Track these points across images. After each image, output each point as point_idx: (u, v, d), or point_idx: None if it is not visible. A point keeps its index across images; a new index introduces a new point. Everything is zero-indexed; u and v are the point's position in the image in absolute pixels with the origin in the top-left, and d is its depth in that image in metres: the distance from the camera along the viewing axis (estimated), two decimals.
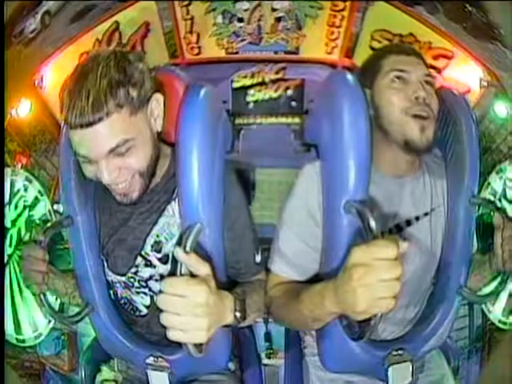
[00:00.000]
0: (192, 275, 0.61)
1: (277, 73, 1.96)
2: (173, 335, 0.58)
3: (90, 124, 0.66)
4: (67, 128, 0.71)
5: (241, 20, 1.80)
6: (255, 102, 1.98)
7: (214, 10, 1.76)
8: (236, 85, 1.95)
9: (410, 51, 0.88)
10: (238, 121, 1.96)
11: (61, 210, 0.86)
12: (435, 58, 1.60)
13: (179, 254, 0.61)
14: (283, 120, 1.98)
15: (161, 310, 0.58)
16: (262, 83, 1.96)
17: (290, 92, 1.97)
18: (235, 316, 0.68)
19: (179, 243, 0.77)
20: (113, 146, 0.69)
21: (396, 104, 0.82)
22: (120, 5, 1.57)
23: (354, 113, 0.74)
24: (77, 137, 0.69)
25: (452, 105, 0.87)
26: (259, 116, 1.98)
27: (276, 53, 1.89)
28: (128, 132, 0.70)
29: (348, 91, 0.76)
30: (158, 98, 0.76)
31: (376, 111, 0.85)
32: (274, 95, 1.98)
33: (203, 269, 0.62)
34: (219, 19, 1.79)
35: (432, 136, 0.82)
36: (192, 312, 0.58)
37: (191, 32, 1.80)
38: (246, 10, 1.78)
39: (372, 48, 1.72)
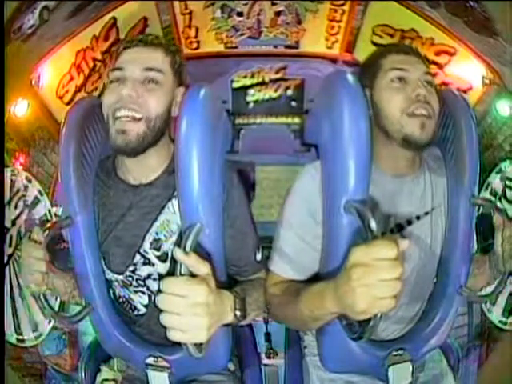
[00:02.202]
0: (192, 275, 0.61)
1: (277, 72, 1.96)
2: (173, 335, 0.58)
3: (146, 44, 0.81)
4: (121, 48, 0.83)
5: (240, 14, 1.79)
6: (255, 101, 1.98)
7: (212, 4, 1.75)
8: (236, 85, 1.95)
9: (409, 50, 0.88)
10: (238, 121, 1.96)
11: (59, 212, 0.88)
12: (437, 54, 1.60)
13: (179, 254, 0.61)
14: (283, 120, 1.98)
15: (160, 310, 0.58)
16: (262, 83, 1.96)
17: (289, 92, 1.97)
18: (235, 315, 0.69)
19: (179, 243, 0.77)
20: (149, 66, 0.79)
21: (396, 103, 0.82)
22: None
23: (354, 113, 0.74)
24: (128, 55, 0.81)
25: (452, 105, 0.88)
26: (259, 116, 1.98)
27: (276, 47, 1.89)
28: (163, 72, 0.81)
29: (348, 91, 0.75)
30: (184, 92, 0.82)
31: (376, 111, 0.86)
32: (274, 95, 1.98)
33: (203, 268, 0.62)
34: (218, 13, 1.77)
35: (432, 133, 0.83)
36: (192, 312, 0.58)
37: (190, 26, 1.79)
38: (245, 4, 1.77)
39: (373, 43, 1.71)
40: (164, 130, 0.82)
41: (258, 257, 0.88)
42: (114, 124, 0.78)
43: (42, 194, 1.47)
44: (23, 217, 1.42)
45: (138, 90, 0.78)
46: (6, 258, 1.33)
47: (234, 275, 0.87)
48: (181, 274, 0.61)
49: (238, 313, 0.69)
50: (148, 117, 0.78)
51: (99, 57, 1.62)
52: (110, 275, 0.87)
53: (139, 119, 0.78)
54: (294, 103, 1.97)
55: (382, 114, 0.85)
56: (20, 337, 1.40)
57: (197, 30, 1.81)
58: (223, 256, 0.79)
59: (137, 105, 0.77)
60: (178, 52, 0.86)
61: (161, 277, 0.84)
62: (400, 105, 0.82)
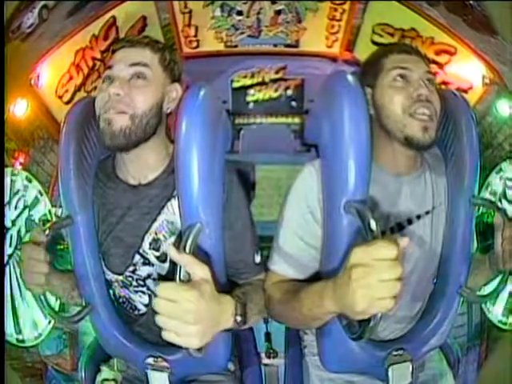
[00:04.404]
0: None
1: (277, 72, 1.95)
2: (167, 337, 0.58)
3: (132, 44, 0.82)
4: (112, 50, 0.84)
5: (240, 13, 1.79)
6: (255, 101, 1.98)
7: (212, 2, 1.75)
8: (236, 85, 1.95)
9: (411, 50, 0.88)
10: (238, 121, 1.96)
11: (59, 212, 0.87)
12: (437, 53, 1.60)
13: (173, 253, 0.61)
14: (283, 120, 1.98)
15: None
16: (262, 83, 1.96)
17: (289, 92, 1.97)
18: (236, 320, 0.67)
19: (175, 244, 0.77)
20: (135, 61, 0.79)
21: (398, 103, 0.82)
22: None
23: (354, 113, 0.74)
24: (117, 55, 0.82)
25: (452, 105, 0.88)
26: (259, 116, 1.98)
27: (275, 46, 1.89)
28: (150, 67, 0.80)
29: (348, 91, 0.75)
30: (178, 88, 0.84)
31: (378, 110, 0.86)
32: (274, 95, 1.98)
33: (200, 270, 0.61)
34: (218, 12, 1.77)
35: (434, 134, 0.82)
36: (182, 318, 0.57)
37: (189, 25, 1.78)
38: (245, 3, 1.77)
39: (373, 42, 1.71)
40: (155, 125, 0.81)
41: (258, 259, 0.88)
42: (105, 112, 0.78)
43: (41, 194, 1.47)
44: (23, 217, 1.42)
45: (125, 87, 0.78)
46: (6, 258, 1.33)
47: (233, 277, 0.86)
48: (180, 277, 0.61)
49: (239, 318, 0.68)
50: (135, 113, 0.78)
51: (98, 56, 1.62)
52: (110, 276, 0.87)
53: (126, 113, 0.77)
54: (293, 103, 1.98)
55: (383, 113, 0.85)
56: (20, 337, 1.40)
57: (196, 28, 1.81)
58: (223, 257, 0.78)
59: (124, 103, 0.77)
60: (168, 49, 0.86)
61: (160, 277, 0.84)
62: (402, 104, 0.82)
